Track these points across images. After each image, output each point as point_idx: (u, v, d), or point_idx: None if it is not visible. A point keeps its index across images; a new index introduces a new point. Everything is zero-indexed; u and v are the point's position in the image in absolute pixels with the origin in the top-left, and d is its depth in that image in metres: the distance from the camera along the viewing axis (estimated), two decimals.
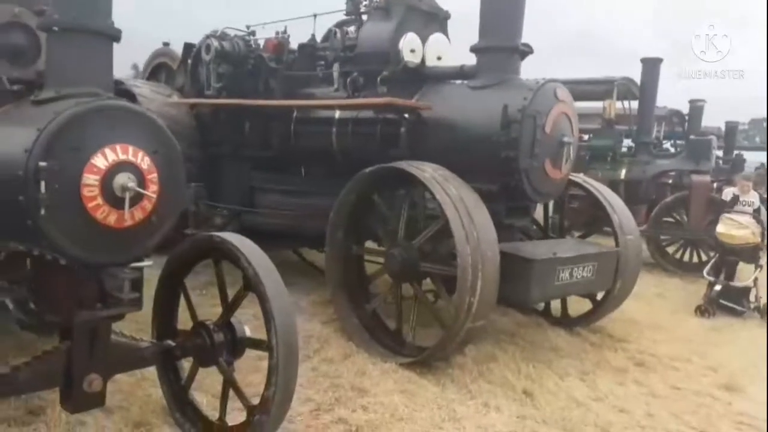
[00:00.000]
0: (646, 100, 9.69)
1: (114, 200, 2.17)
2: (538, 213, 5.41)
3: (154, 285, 2.92)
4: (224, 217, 6.23)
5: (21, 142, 2.11)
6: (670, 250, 9.21)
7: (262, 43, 6.27)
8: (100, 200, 2.15)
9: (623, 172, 9.62)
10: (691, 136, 9.96)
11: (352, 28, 5.77)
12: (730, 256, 6.61)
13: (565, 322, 5.21)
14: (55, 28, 2.18)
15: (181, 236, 6.00)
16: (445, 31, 5.37)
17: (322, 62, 5.97)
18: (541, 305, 5.32)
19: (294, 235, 5.92)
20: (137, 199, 2.23)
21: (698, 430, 3.59)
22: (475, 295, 3.68)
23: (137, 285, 2.38)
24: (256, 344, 2.72)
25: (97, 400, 2.43)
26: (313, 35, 6.17)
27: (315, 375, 3.74)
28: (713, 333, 5.77)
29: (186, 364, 2.96)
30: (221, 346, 2.67)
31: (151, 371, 3.07)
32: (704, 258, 8.50)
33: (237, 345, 2.70)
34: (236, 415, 2.81)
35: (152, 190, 2.27)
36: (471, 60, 4.85)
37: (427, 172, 4.14)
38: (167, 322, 2.97)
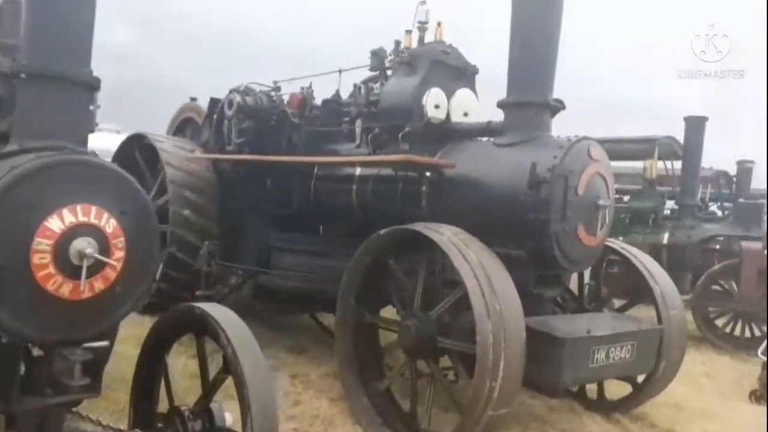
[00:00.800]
0: (691, 161, 9.22)
1: (69, 269, 1.90)
2: (574, 281, 4.98)
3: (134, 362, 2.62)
4: (239, 277, 6.02)
5: None
6: (719, 322, 8.47)
7: (286, 98, 6.22)
8: (52, 269, 1.88)
9: (666, 237, 9.06)
10: (740, 199, 9.38)
11: (377, 84, 5.65)
12: None
13: (602, 406, 4.66)
14: (23, 75, 1.98)
15: (192, 298, 5.89)
16: (472, 87, 5.16)
17: (347, 118, 5.85)
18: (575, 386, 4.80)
19: (311, 298, 5.66)
20: (98, 267, 1.95)
21: None
22: (496, 378, 3.25)
23: (95, 367, 2.07)
24: None
25: None
26: (338, 91, 6.07)
27: None
28: None
29: None
30: None
31: None
32: (757, 333, 7.79)
33: None
34: None
35: (116, 257, 1.99)
36: (499, 116, 4.59)
37: (446, 235, 3.81)
38: (146, 405, 2.63)
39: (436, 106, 4.84)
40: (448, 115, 4.88)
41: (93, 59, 2.09)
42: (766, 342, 6.22)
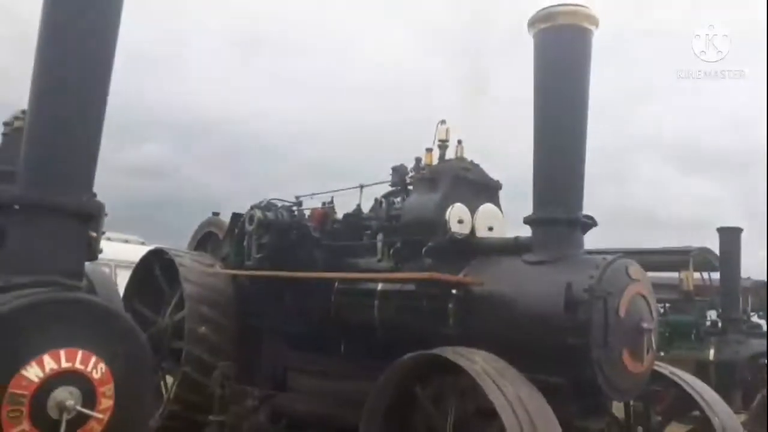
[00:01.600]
0: (729, 274, 8.88)
1: (47, 424, 1.66)
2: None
3: None
4: (255, 399, 5.66)
5: None
6: None
7: (308, 212, 6.18)
8: (26, 425, 1.63)
9: (712, 353, 8.52)
10: None
11: (398, 199, 5.60)
12: None
13: None
14: (16, 206, 1.86)
15: (205, 421, 5.52)
16: (496, 202, 5.04)
17: (368, 232, 5.75)
18: None
19: (330, 424, 5.25)
20: (81, 420, 1.70)
21: None
22: None
23: None
24: None
25: None
26: (359, 205, 6.03)
27: None
28: None
29: None
30: None
31: None
32: None
33: None
34: None
35: (103, 407, 1.75)
36: (525, 230, 4.41)
37: (478, 363, 3.49)
38: None
39: (460, 221, 4.70)
40: (472, 230, 4.73)
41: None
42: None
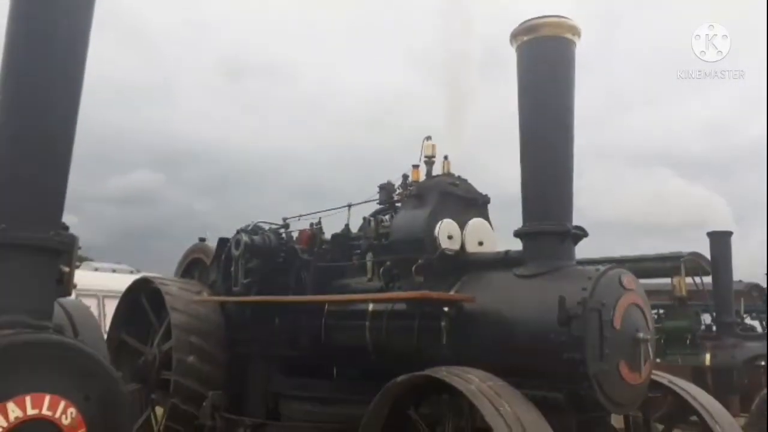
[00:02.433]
0: (721, 277, 8.86)
1: None
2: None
3: None
4: (247, 428, 5.51)
5: None
6: None
7: (295, 234, 6.09)
8: None
9: (708, 358, 8.47)
10: None
11: (387, 217, 5.53)
12: None
13: None
14: None
15: None
16: (485, 216, 4.98)
17: (357, 251, 5.66)
18: None
19: None
20: None
21: None
22: None
23: None
24: None
25: None
26: (347, 225, 5.95)
27: None
28: None
29: None
30: None
31: None
32: None
33: None
34: None
35: None
36: (516, 244, 4.35)
37: (473, 383, 3.40)
38: None
39: (449, 237, 4.63)
40: (462, 246, 4.66)
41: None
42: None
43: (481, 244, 4.73)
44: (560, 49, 4.11)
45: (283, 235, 6.04)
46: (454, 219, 4.68)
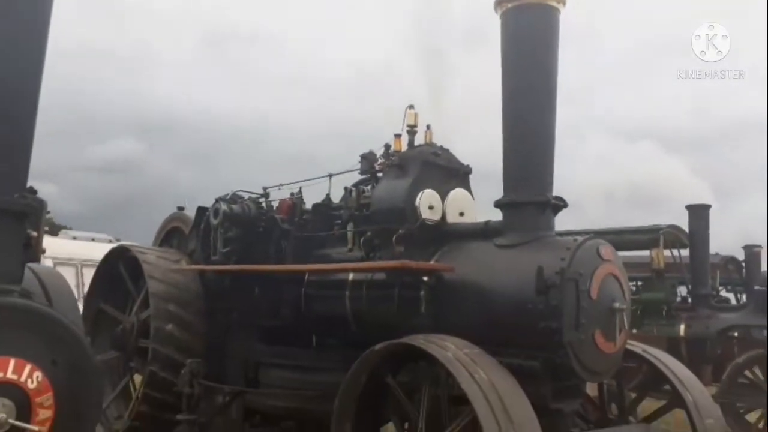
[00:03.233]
0: (698, 250, 8.98)
1: None
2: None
3: None
4: (225, 395, 5.53)
5: None
6: (751, 417, 7.91)
7: (275, 204, 6.03)
8: None
9: (683, 328, 8.65)
10: (756, 287, 9.02)
11: (369, 187, 5.49)
12: None
13: None
14: None
15: (175, 422, 5.38)
16: (467, 186, 4.97)
17: (338, 221, 5.63)
18: None
19: (304, 417, 5.16)
20: None
21: None
22: None
23: None
24: None
25: None
26: (328, 195, 5.89)
27: None
28: None
29: None
30: None
31: None
32: None
33: None
34: None
35: (42, 418, 1.62)
36: (497, 214, 4.35)
37: (450, 350, 3.43)
38: None
39: (431, 207, 4.62)
40: (443, 216, 4.66)
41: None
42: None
43: (462, 214, 4.73)
44: (544, 16, 4.06)
45: (263, 204, 5.98)
46: (435, 189, 4.67)
